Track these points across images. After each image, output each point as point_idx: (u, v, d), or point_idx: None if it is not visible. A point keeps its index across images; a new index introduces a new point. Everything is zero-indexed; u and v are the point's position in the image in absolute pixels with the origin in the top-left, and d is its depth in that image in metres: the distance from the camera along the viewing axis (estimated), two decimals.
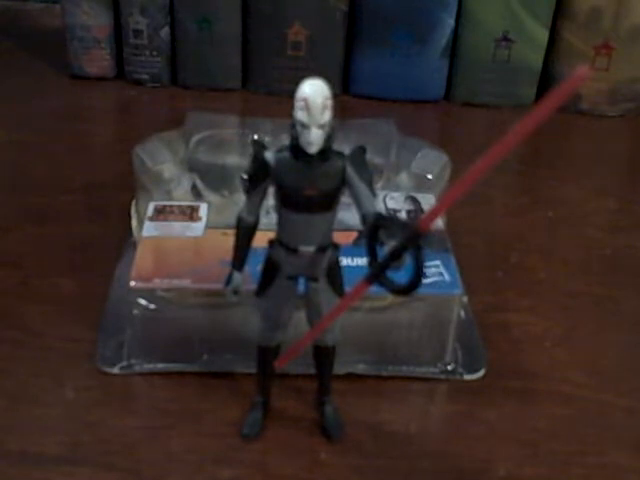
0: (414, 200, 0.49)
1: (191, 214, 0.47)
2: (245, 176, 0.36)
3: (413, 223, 0.30)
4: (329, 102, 0.32)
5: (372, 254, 0.32)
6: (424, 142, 0.54)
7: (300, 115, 0.32)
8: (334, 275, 0.36)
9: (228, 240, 0.37)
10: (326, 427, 0.40)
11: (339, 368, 0.41)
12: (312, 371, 0.40)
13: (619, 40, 0.72)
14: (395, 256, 0.30)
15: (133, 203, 0.52)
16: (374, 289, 0.32)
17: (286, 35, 0.73)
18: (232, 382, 0.43)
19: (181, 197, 0.49)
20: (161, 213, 0.47)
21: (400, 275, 0.31)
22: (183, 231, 0.46)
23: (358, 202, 0.34)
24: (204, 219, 0.47)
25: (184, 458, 0.39)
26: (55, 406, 0.41)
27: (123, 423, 0.40)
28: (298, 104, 0.32)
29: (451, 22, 0.72)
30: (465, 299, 0.46)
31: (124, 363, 0.43)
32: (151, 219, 0.47)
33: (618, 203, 0.63)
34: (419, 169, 0.52)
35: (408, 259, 0.30)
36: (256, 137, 0.52)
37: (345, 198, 0.35)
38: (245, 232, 0.36)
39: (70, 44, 0.74)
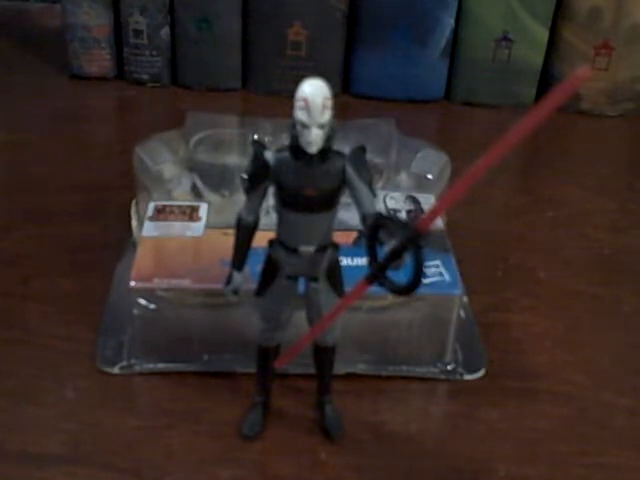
0: (414, 200, 0.49)
1: (191, 214, 0.47)
2: (245, 176, 0.36)
3: (413, 223, 0.30)
4: (329, 102, 0.32)
5: (372, 254, 0.32)
6: (424, 142, 0.54)
7: (300, 115, 0.32)
8: (334, 275, 0.36)
9: (228, 240, 0.37)
10: (326, 427, 0.40)
11: (339, 368, 0.41)
12: (312, 371, 0.40)
13: (619, 40, 0.72)
14: (395, 256, 0.30)
15: (133, 203, 0.52)
16: (374, 289, 0.32)
17: (286, 35, 0.73)
18: (232, 382, 0.43)
19: (181, 197, 0.49)
20: (161, 213, 0.47)
21: (400, 275, 0.31)
22: (183, 231, 0.46)
23: (358, 202, 0.34)
24: (204, 219, 0.47)
25: (184, 458, 0.39)
26: (55, 406, 0.41)
27: (123, 423, 0.40)
28: (298, 104, 0.32)
29: (451, 22, 0.72)
30: (465, 299, 0.46)
31: (124, 363, 0.43)
32: (151, 219, 0.47)
33: (618, 203, 0.63)
34: (419, 169, 0.52)
35: (408, 259, 0.30)
36: (256, 137, 0.52)
37: (345, 198, 0.35)
38: (245, 232, 0.36)
39: (70, 44, 0.74)
